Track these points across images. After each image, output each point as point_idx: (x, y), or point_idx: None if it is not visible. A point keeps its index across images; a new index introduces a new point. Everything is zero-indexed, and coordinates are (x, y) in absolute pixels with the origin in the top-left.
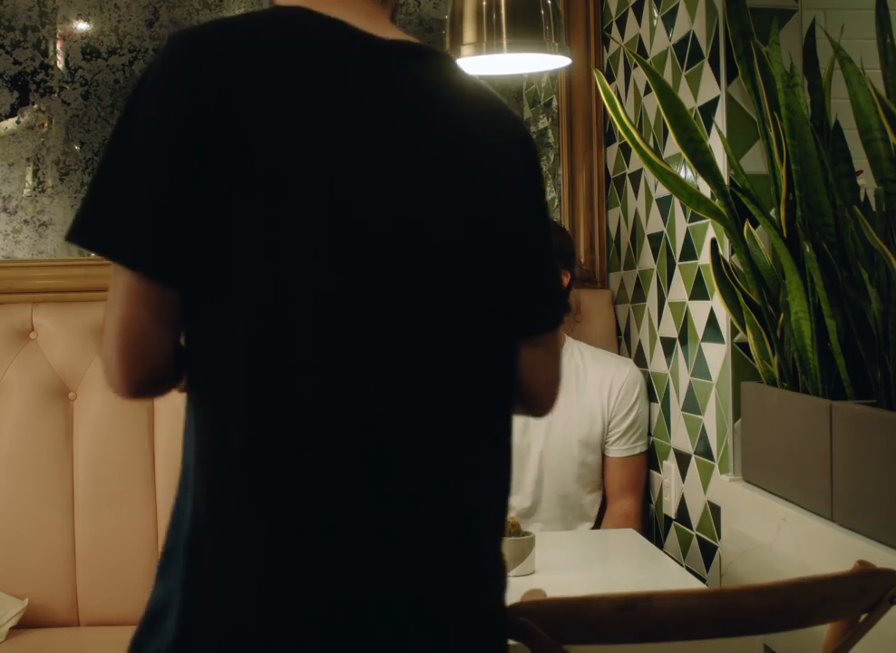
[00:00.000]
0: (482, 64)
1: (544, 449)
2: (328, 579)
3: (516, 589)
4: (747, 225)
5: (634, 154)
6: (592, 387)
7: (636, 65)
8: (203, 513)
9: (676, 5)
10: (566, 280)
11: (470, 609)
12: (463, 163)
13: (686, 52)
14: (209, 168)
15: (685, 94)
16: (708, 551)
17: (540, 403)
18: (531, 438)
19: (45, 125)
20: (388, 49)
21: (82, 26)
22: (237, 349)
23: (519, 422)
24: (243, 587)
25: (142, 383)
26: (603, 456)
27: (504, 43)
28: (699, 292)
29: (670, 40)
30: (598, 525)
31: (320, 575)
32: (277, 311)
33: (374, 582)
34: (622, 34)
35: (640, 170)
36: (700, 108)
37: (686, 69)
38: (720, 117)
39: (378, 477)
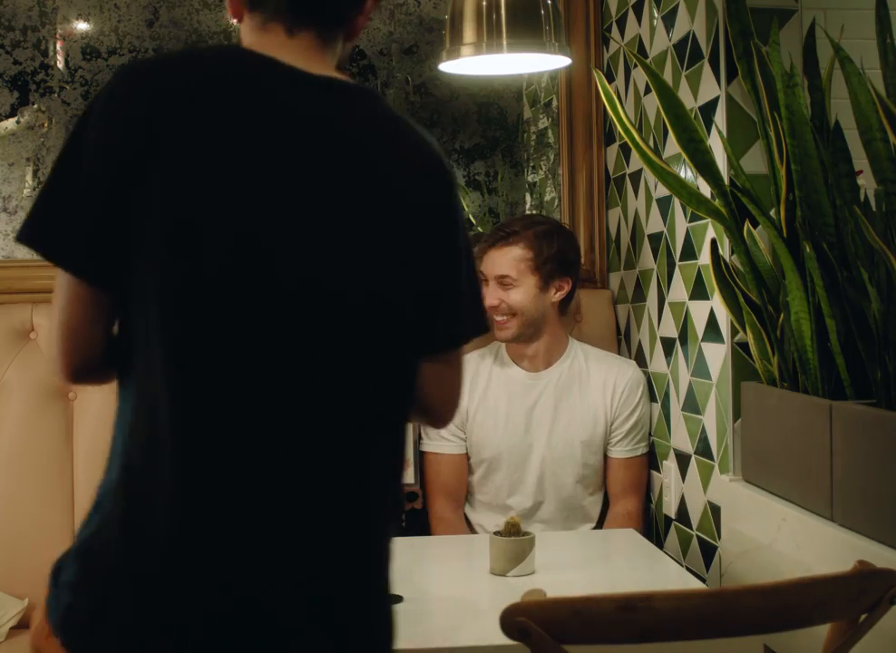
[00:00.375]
0: (481, 64)
1: (546, 450)
2: (231, 552)
3: (516, 589)
4: (747, 225)
5: (634, 154)
6: (595, 389)
7: (636, 65)
8: (123, 477)
9: (676, 5)
10: (566, 288)
11: (363, 598)
12: (367, 195)
13: (686, 52)
14: (135, 190)
15: (685, 94)
16: (708, 551)
17: (439, 416)
18: (533, 439)
19: (45, 125)
20: (313, 83)
21: (82, 26)
22: (152, 339)
23: (521, 423)
24: (146, 553)
25: (79, 370)
26: (605, 457)
27: (504, 43)
28: (699, 292)
29: (670, 40)
30: (599, 526)
31: (223, 549)
32: (185, 309)
33: (269, 564)
34: (622, 34)
35: (640, 170)
36: (700, 108)
37: (686, 69)
38: (720, 117)
39: (280, 468)
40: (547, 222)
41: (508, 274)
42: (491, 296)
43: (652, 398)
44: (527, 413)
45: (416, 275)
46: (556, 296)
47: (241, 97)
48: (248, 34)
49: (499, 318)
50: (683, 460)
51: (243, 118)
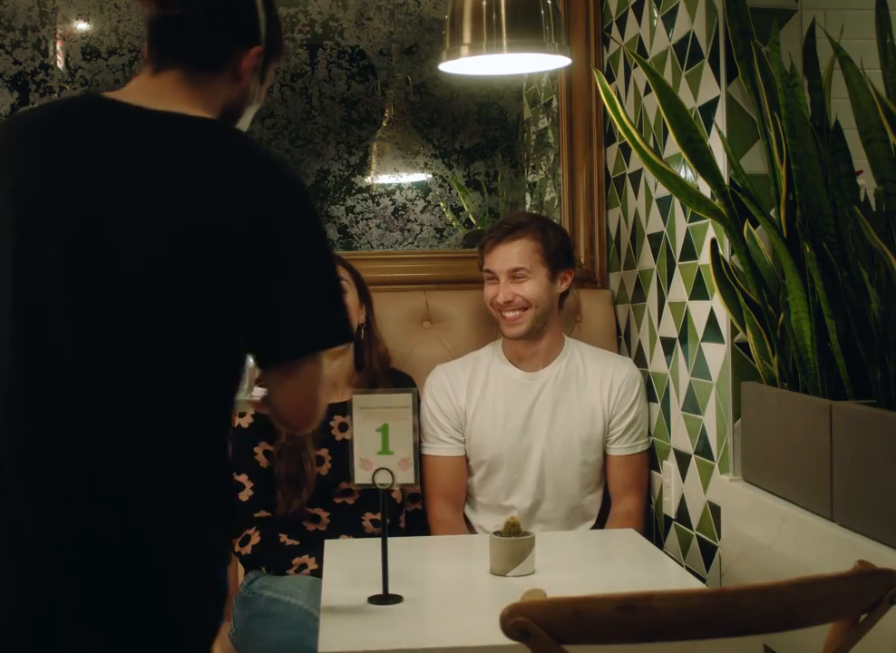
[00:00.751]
0: (481, 64)
1: (545, 449)
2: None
3: (516, 589)
4: (747, 225)
5: (634, 154)
6: (592, 386)
7: (636, 65)
8: None
9: (676, 5)
10: (569, 279)
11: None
12: (165, 215)
13: (686, 52)
14: None
15: (685, 94)
16: (708, 551)
17: (289, 424)
18: (533, 438)
19: None
20: (143, 118)
21: (82, 26)
22: None
23: (519, 423)
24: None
25: None
26: (605, 455)
27: (504, 43)
28: (699, 292)
29: (670, 40)
30: (599, 525)
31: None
32: None
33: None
34: (622, 34)
35: (640, 170)
36: (700, 108)
37: (686, 69)
38: (720, 117)
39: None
40: (540, 216)
41: (522, 266)
42: (505, 291)
43: (652, 398)
44: (525, 412)
45: (223, 290)
46: (562, 287)
47: (66, 133)
48: None
49: (510, 315)
50: (683, 460)
51: (66, 150)
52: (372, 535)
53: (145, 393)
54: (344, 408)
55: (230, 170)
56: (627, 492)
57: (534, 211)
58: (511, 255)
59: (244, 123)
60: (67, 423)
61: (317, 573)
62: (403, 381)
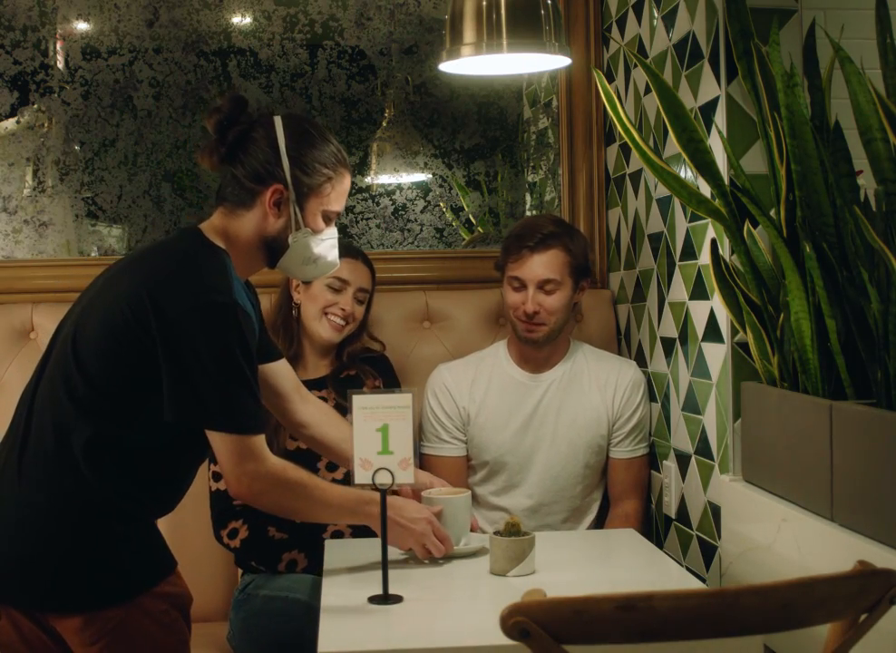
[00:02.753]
0: (481, 64)
1: (549, 451)
2: None
3: (516, 589)
4: (747, 225)
5: (634, 154)
6: (596, 389)
7: (636, 65)
8: None
9: (676, 5)
10: (586, 288)
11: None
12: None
13: (686, 52)
14: None
15: (685, 94)
16: (708, 551)
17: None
18: (536, 440)
19: (45, 125)
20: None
21: (82, 26)
22: None
23: (523, 424)
24: None
25: None
26: (607, 458)
27: (504, 43)
28: (699, 292)
29: (670, 40)
30: (598, 526)
31: None
32: None
33: None
34: (622, 34)
35: (640, 170)
36: (700, 108)
37: (686, 69)
38: (720, 117)
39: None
40: (566, 221)
41: (554, 278)
42: (533, 301)
43: (652, 398)
44: (529, 414)
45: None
46: (579, 296)
47: None
48: None
49: (531, 323)
50: (683, 460)
51: None
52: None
53: None
54: (321, 384)
55: (137, 276)
56: (627, 494)
57: (538, 212)
58: (543, 266)
59: (301, 247)
60: None
61: (309, 570)
62: (375, 369)
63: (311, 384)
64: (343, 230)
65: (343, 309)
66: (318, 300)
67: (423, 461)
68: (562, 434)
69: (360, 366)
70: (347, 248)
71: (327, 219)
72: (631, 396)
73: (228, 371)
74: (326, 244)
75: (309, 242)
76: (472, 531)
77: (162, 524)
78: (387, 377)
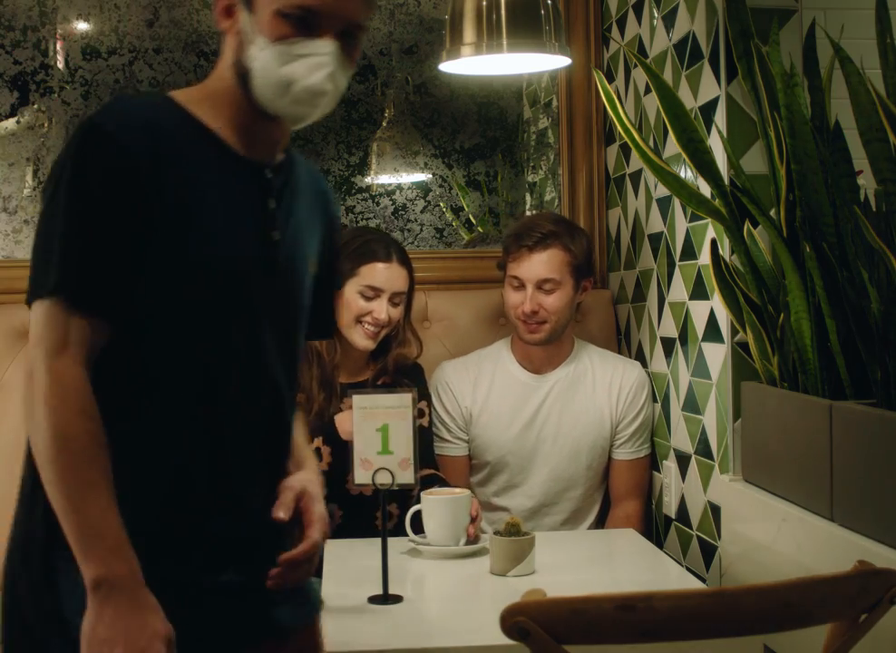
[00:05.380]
0: (481, 64)
1: (551, 452)
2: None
3: (516, 589)
4: (747, 225)
5: (634, 154)
6: (600, 390)
7: (636, 65)
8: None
9: (676, 5)
10: (589, 288)
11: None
12: None
13: (686, 52)
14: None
15: (685, 94)
16: (708, 551)
17: None
18: (538, 441)
19: (45, 125)
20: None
21: (82, 26)
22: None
23: (525, 425)
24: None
25: None
26: (609, 459)
27: (504, 43)
28: (699, 292)
29: (670, 40)
30: (598, 526)
31: None
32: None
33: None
34: (622, 34)
35: (640, 170)
36: (700, 108)
37: (686, 69)
38: (720, 117)
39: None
40: (568, 220)
41: (552, 277)
42: (532, 301)
43: (652, 398)
44: (532, 414)
45: None
46: (581, 296)
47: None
48: None
49: (532, 323)
50: (683, 460)
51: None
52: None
53: None
54: (360, 387)
55: None
56: (628, 496)
57: (541, 211)
58: (542, 265)
59: (278, 64)
60: None
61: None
62: (407, 378)
63: (352, 388)
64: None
65: (376, 318)
66: (352, 308)
67: None
68: (565, 435)
69: (396, 375)
70: (380, 251)
71: (290, 21)
72: (635, 398)
73: (50, 209)
74: (303, 63)
75: (269, 59)
76: (472, 539)
77: None
78: (419, 386)
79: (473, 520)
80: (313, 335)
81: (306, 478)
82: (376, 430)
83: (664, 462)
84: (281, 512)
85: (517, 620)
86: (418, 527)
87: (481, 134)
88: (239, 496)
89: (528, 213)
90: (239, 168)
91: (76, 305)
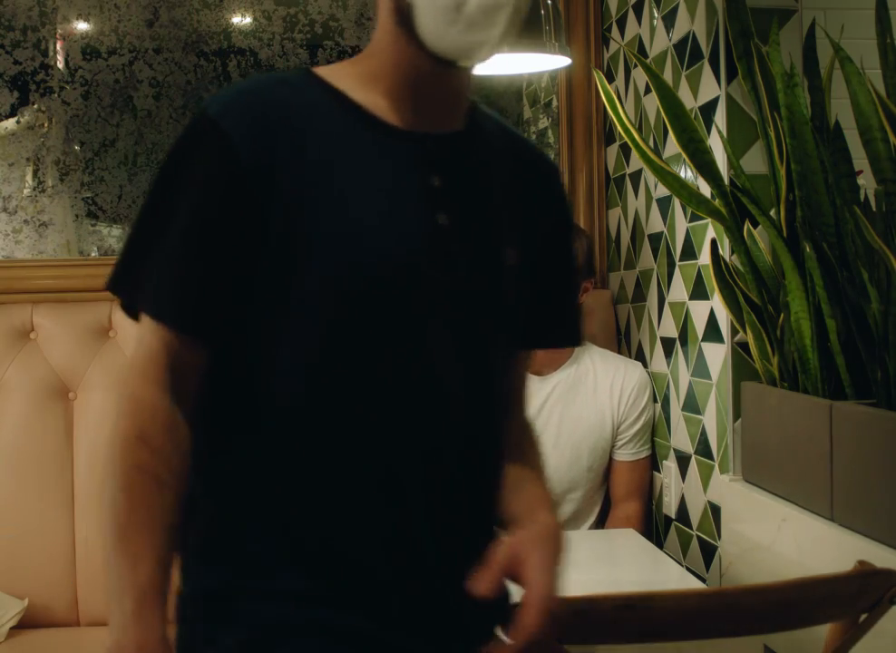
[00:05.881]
0: (482, 64)
1: (552, 454)
2: None
3: (516, 589)
4: (747, 225)
5: (634, 154)
6: (602, 391)
7: (636, 65)
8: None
9: (676, 5)
10: (590, 289)
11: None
12: None
13: (686, 52)
14: None
15: (685, 94)
16: (708, 552)
17: None
18: (542, 441)
19: (45, 125)
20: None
21: (82, 26)
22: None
23: None
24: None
25: None
26: (610, 460)
27: None
28: (699, 292)
29: (670, 40)
30: (598, 526)
31: None
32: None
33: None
34: (622, 34)
35: (640, 170)
36: (700, 108)
37: (686, 69)
38: (720, 117)
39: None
40: None
41: None
42: None
43: (652, 398)
44: (532, 416)
45: None
46: (582, 297)
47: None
48: None
49: None
50: (683, 460)
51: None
52: None
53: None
54: None
55: None
56: (629, 497)
57: None
58: None
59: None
60: None
61: None
62: None
63: None
64: None
65: None
66: None
67: None
68: (566, 437)
69: None
70: None
71: None
72: (637, 399)
73: (146, 215)
74: None
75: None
76: None
77: None
78: None
79: None
80: (553, 341)
81: (527, 538)
82: None
83: (664, 462)
84: (480, 586)
85: None
86: None
87: None
88: (413, 544)
89: None
90: (395, 142)
91: (180, 327)
